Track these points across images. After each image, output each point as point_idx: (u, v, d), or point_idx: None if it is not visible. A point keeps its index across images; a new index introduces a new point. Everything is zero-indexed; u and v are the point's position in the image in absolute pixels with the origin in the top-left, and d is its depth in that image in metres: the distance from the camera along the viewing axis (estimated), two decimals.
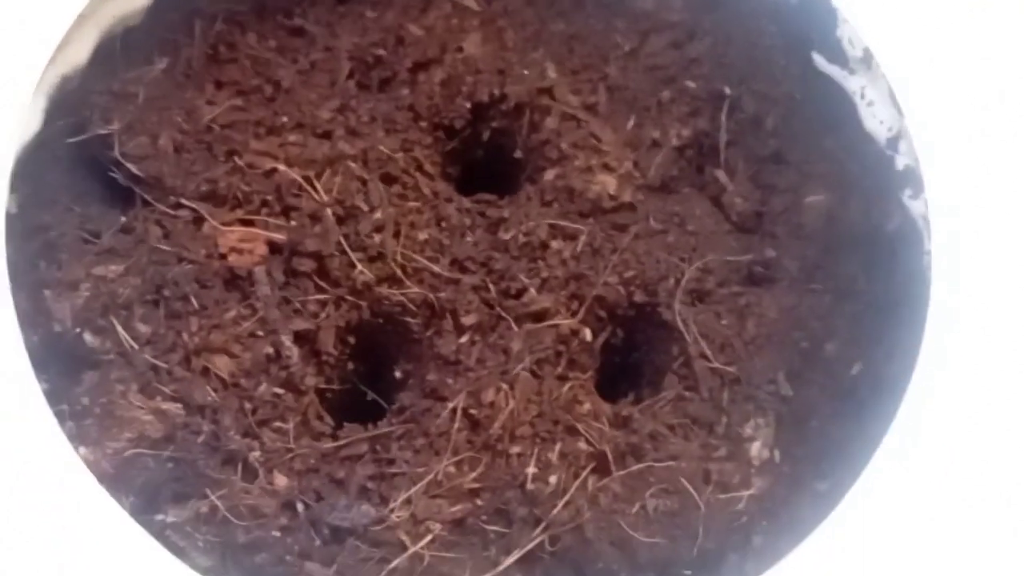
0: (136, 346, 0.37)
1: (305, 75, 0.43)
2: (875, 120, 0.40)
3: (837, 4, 0.40)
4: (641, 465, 0.37)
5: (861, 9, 0.39)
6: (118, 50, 0.41)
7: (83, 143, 0.40)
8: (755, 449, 0.38)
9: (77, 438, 0.35)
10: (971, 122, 0.38)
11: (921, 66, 0.38)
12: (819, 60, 0.41)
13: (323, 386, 0.40)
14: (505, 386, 0.38)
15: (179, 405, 0.37)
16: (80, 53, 0.40)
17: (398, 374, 0.40)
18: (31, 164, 0.38)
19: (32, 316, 0.36)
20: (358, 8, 0.44)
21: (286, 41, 0.43)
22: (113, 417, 0.36)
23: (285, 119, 0.42)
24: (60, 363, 0.37)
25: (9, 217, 0.37)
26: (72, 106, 0.40)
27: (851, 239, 0.41)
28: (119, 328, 0.38)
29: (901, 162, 0.39)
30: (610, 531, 0.36)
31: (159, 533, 0.35)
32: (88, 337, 0.38)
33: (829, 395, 0.39)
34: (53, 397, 0.35)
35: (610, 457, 0.38)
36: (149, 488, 0.36)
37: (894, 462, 0.35)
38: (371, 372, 0.41)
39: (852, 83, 0.41)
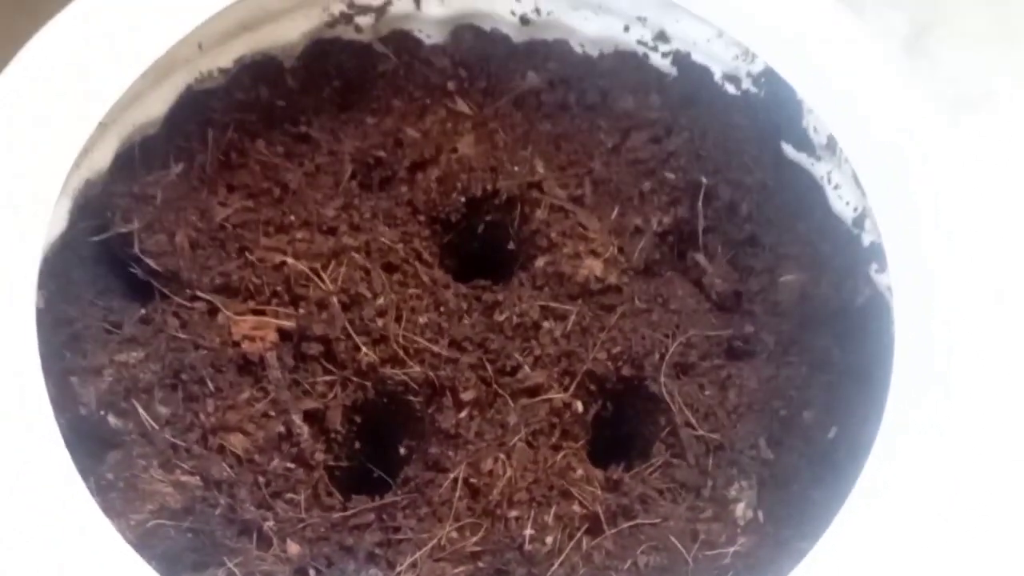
0: (156, 426, 0.40)
1: (311, 177, 0.46)
2: (842, 202, 0.43)
3: (802, 96, 0.43)
4: (632, 524, 0.40)
5: (823, 99, 0.42)
6: (137, 156, 0.44)
7: (105, 242, 0.43)
8: (740, 510, 0.40)
9: (103, 511, 0.37)
10: (928, 197, 0.41)
11: (878, 148, 0.41)
12: (788, 149, 0.44)
13: (331, 463, 0.42)
14: (503, 456, 0.41)
15: (197, 479, 0.39)
16: (102, 159, 0.43)
17: (402, 450, 0.43)
18: (57, 262, 0.41)
19: (60, 401, 0.39)
20: (359, 115, 0.47)
21: (293, 147, 0.46)
22: (136, 490, 0.39)
23: (293, 218, 0.44)
24: (86, 443, 0.39)
25: (38, 312, 0.39)
26: (95, 208, 0.43)
27: (824, 314, 0.43)
28: (140, 410, 0.40)
29: (867, 239, 0.42)
30: None
31: None
32: (112, 419, 0.40)
33: (808, 458, 0.41)
34: (80, 475, 0.37)
35: (602, 518, 0.40)
36: (170, 556, 0.38)
37: (859, 514, 0.37)
38: (376, 449, 0.43)
39: (819, 168, 0.44)
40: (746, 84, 0.45)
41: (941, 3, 0.66)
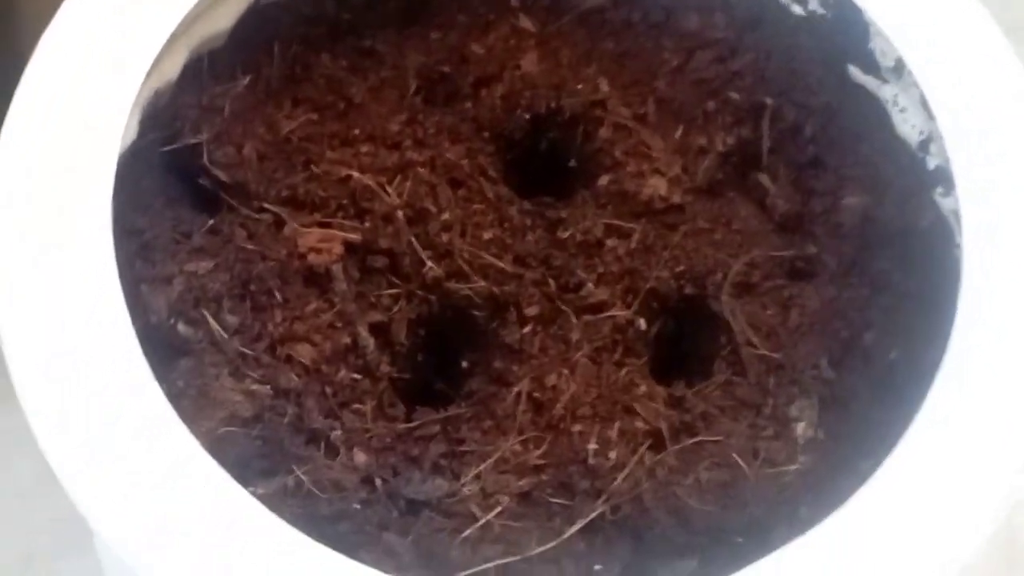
0: (226, 335, 0.40)
1: (375, 91, 0.46)
2: (907, 125, 0.43)
3: (870, 18, 0.43)
4: (694, 440, 0.40)
5: (892, 21, 0.42)
6: (205, 68, 0.44)
7: (174, 152, 0.43)
8: (800, 429, 0.41)
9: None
10: (999, 124, 0.41)
11: (950, 73, 0.41)
12: (854, 71, 0.44)
13: (396, 375, 0.42)
14: (566, 371, 0.41)
15: (267, 387, 0.40)
16: (171, 70, 0.43)
17: (465, 364, 0.43)
18: (127, 172, 0.41)
19: (131, 309, 0.39)
20: (423, 30, 0.47)
21: (357, 61, 0.46)
22: (207, 398, 0.39)
23: (357, 131, 0.45)
24: (157, 351, 0.39)
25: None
26: (164, 118, 0.43)
27: (886, 236, 0.43)
28: (210, 319, 0.41)
29: (932, 163, 0.42)
30: (666, 500, 0.39)
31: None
32: (182, 327, 0.40)
33: (868, 380, 0.42)
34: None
35: (665, 434, 0.40)
36: (240, 463, 0.38)
37: (925, 438, 0.37)
38: (440, 362, 0.44)
39: (885, 92, 0.44)
40: (813, 5, 0.45)
41: None
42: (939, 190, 0.42)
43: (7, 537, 0.52)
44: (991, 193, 0.40)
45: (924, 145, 0.42)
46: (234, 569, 0.34)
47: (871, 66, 0.44)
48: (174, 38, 0.42)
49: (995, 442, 0.37)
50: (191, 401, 0.39)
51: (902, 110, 0.43)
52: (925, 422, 0.37)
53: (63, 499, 0.50)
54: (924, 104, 0.42)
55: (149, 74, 0.41)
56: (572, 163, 0.46)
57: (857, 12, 0.43)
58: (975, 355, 0.38)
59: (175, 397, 0.39)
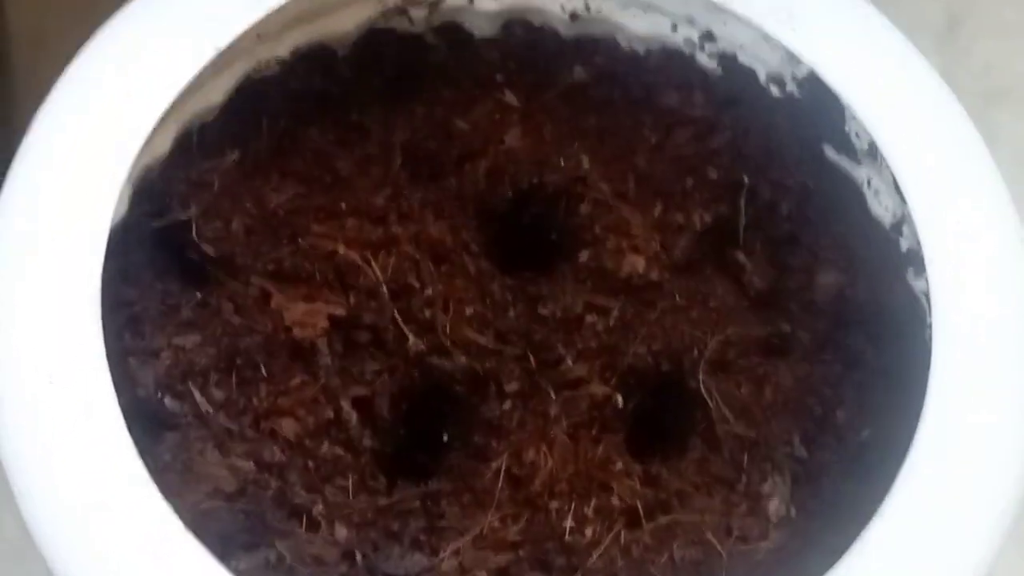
0: (211, 410, 0.41)
1: (361, 165, 0.47)
2: (881, 207, 0.44)
3: (845, 102, 0.44)
4: (669, 518, 0.41)
5: (866, 106, 0.43)
6: (195, 143, 0.45)
7: (164, 227, 0.44)
8: (773, 506, 0.42)
9: (160, 492, 0.39)
10: (967, 210, 0.42)
11: (920, 158, 0.42)
12: (830, 152, 0.45)
13: (378, 448, 0.43)
14: (544, 447, 0.42)
15: (251, 463, 0.41)
16: (162, 145, 0.44)
17: (445, 437, 0.44)
18: (117, 245, 0.42)
19: (118, 382, 0.40)
20: (410, 105, 0.48)
21: (344, 135, 0.47)
22: (192, 472, 0.40)
23: (343, 205, 0.46)
24: (143, 424, 0.40)
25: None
26: (154, 193, 0.44)
27: (860, 315, 0.44)
28: (196, 393, 0.41)
29: (904, 244, 0.43)
30: None
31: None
32: (168, 401, 0.41)
33: (840, 456, 0.42)
34: (138, 455, 0.39)
35: (640, 512, 0.41)
36: (223, 537, 0.39)
37: (897, 516, 0.38)
38: (421, 436, 0.44)
39: (860, 173, 0.45)
40: (790, 87, 0.46)
41: None
42: (911, 271, 0.43)
43: None
44: (960, 276, 0.41)
45: (897, 227, 0.43)
46: None
47: (846, 148, 0.45)
48: (166, 114, 0.43)
49: (967, 517, 0.38)
50: (177, 475, 0.40)
51: (876, 192, 0.44)
52: (898, 499, 0.38)
53: None
54: (896, 187, 0.42)
55: (141, 150, 0.42)
56: (553, 236, 0.47)
57: (832, 96, 0.44)
58: (946, 434, 0.39)
59: (161, 471, 0.40)
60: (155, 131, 0.43)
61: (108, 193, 0.41)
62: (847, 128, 0.44)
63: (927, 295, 0.42)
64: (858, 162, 0.45)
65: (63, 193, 0.41)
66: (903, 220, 0.43)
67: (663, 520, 0.41)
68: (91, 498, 0.37)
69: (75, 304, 0.39)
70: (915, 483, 0.38)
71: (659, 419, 0.45)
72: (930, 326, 0.41)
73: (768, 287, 0.45)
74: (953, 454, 0.39)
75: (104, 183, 0.41)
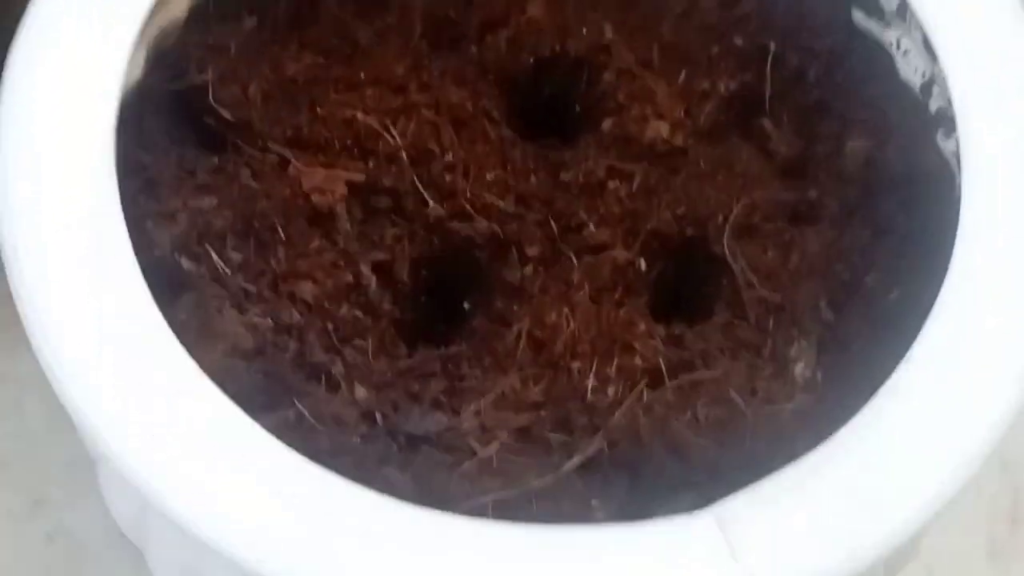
0: (228, 271, 0.41)
1: (381, 36, 0.46)
2: (910, 68, 0.43)
3: None
4: (692, 378, 0.40)
5: None
6: (212, 9, 0.44)
7: (180, 92, 0.43)
8: (799, 369, 0.41)
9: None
10: (999, 65, 0.41)
11: (952, 13, 0.41)
12: (858, 16, 0.45)
13: (398, 315, 0.43)
14: (566, 310, 0.41)
15: (268, 320, 0.40)
16: (178, 10, 0.43)
17: (467, 306, 0.44)
18: (133, 111, 0.42)
19: (135, 244, 0.39)
20: None
21: (363, 5, 0.47)
22: (209, 329, 0.40)
23: (363, 75, 0.45)
24: (160, 286, 0.39)
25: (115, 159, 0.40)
26: (170, 57, 0.43)
27: (889, 180, 0.43)
28: (213, 254, 0.41)
29: (934, 105, 0.42)
30: (664, 436, 0.39)
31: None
32: (185, 262, 0.41)
33: (869, 321, 0.42)
34: None
35: (663, 371, 0.40)
36: (242, 396, 0.39)
37: (918, 371, 0.37)
38: (442, 304, 0.44)
39: (888, 35, 0.44)
40: None
41: None
42: (941, 132, 0.42)
43: (16, 483, 0.53)
44: (990, 135, 0.40)
45: (927, 87, 0.43)
46: (239, 489, 0.35)
47: (875, 9, 0.44)
48: None
49: (987, 373, 0.37)
50: (193, 333, 0.39)
51: (905, 53, 0.43)
52: (918, 356, 0.38)
53: (72, 446, 0.51)
54: (927, 45, 0.42)
55: (155, 12, 0.42)
56: (577, 109, 0.46)
57: None
58: (969, 293, 0.38)
59: (177, 330, 0.39)
60: None
61: (119, 50, 0.40)
62: None
63: (957, 155, 0.41)
64: (887, 24, 0.44)
65: (71, 54, 0.40)
66: (933, 80, 0.42)
67: (686, 379, 0.40)
68: (110, 343, 0.36)
69: (90, 166, 0.38)
70: (940, 334, 0.37)
71: (683, 284, 0.44)
72: (959, 186, 0.40)
73: (795, 154, 0.45)
74: (977, 310, 0.38)
75: (113, 41, 0.40)
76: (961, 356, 0.37)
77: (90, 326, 0.37)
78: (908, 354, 0.37)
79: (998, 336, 0.38)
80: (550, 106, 0.47)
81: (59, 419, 0.53)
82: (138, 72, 0.42)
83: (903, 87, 0.43)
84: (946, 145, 0.42)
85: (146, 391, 0.36)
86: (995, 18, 0.41)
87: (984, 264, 0.39)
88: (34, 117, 0.40)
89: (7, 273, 0.38)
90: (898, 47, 0.43)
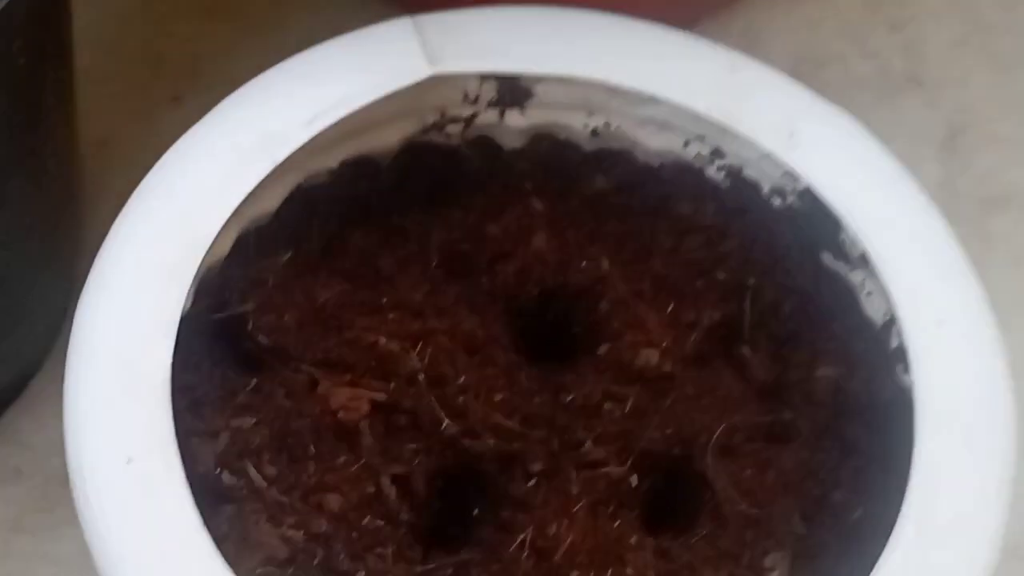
0: (265, 484, 0.46)
1: (402, 264, 0.51)
2: (873, 307, 0.49)
3: (839, 215, 0.48)
4: None
5: (859, 219, 0.48)
6: (252, 244, 0.50)
7: (223, 320, 0.49)
8: None
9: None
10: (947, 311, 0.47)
11: (905, 266, 0.47)
12: (827, 258, 0.50)
13: (414, 521, 0.47)
14: (566, 521, 0.46)
15: (300, 532, 0.45)
16: (222, 247, 0.49)
17: (476, 512, 0.48)
18: (181, 337, 0.47)
19: (182, 459, 0.44)
20: (446, 210, 0.53)
21: (386, 237, 0.52)
22: (247, 542, 0.44)
23: (385, 300, 0.50)
24: (203, 499, 0.44)
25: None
26: (215, 289, 0.48)
27: (855, 405, 0.48)
28: (251, 470, 0.46)
29: (894, 342, 0.48)
30: None
31: None
32: (226, 477, 0.45)
33: (836, 534, 0.46)
34: None
35: None
36: None
37: None
38: (453, 510, 0.48)
39: (854, 277, 0.49)
40: (791, 199, 0.50)
41: (974, 108, 0.71)
42: (900, 367, 0.47)
43: None
44: (941, 373, 0.45)
45: (887, 326, 0.48)
46: None
47: (841, 255, 0.49)
48: (227, 220, 0.48)
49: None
50: (233, 544, 0.44)
51: (868, 294, 0.49)
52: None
53: None
54: (885, 290, 0.47)
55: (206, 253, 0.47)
56: (576, 330, 0.52)
57: (827, 209, 0.48)
58: (926, 515, 0.43)
59: (219, 540, 0.44)
60: (217, 237, 0.48)
61: (178, 292, 0.46)
62: (841, 237, 0.49)
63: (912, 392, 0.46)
64: (853, 267, 0.49)
65: (138, 291, 0.46)
66: (892, 321, 0.48)
67: None
68: (157, 553, 0.41)
69: (148, 392, 0.43)
70: (898, 556, 0.42)
71: (671, 498, 0.48)
72: (914, 420, 0.45)
73: (771, 379, 0.50)
74: (933, 531, 0.43)
75: (174, 284, 0.46)
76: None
77: (140, 534, 0.41)
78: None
79: (952, 557, 0.43)
80: (553, 331, 0.52)
81: None
82: (187, 303, 0.47)
83: (867, 324, 0.49)
84: (905, 378, 0.47)
85: None
86: (947, 276, 0.47)
87: (938, 492, 0.43)
88: (99, 353, 0.45)
89: (72, 486, 0.43)
90: (863, 288, 0.49)
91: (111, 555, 0.42)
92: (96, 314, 0.45)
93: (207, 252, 0.47)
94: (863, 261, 0.48)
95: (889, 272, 0.47)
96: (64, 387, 0.44)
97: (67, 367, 0.44)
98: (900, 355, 0.47)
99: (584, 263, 0.52)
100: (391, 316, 0.50)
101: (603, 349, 0.50)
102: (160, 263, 0.46)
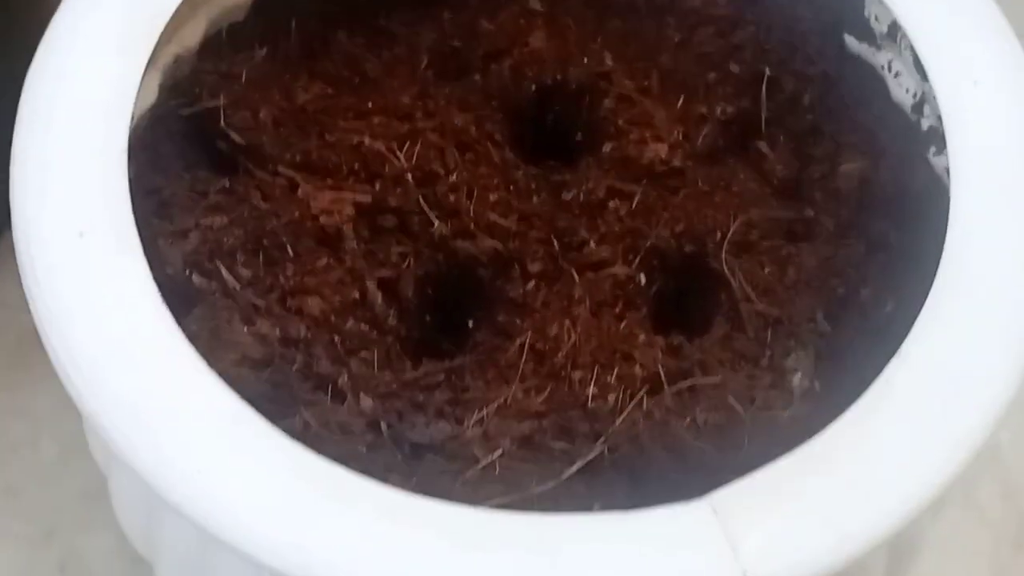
0: (238, 286, 0.42)
1: (389, 67, 0.48)
2: (901, 89, 0.45)
3: None
4: (691, 384, 0.41)
5: None
6: (224, 39, 0.46)
7: (193, 117, 0.45)
8: (796, 379, 0.42)
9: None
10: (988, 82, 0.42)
11: (942, 32, 0.43)
12: (850, 41, 0.46)
13: (403, 332, 0.43)
14: (568, 323, 0.42)
15: (276, 331, 0.41)
16: (191, 39, 0.45)
17: (471, 323, 0.45)
18: (147, 135, 0.43)
19: (149, 262, 0.40)
20: (436, 10, 0.49)
21: (372, 38, 0.48)
22: (219, 340, 0.40)
23: (370, 104, 0.46)
24: (172, 301, 0.40)
25: (129, 182, 0.41)
26: (183, 84, 0.45)
27: (882, 198, 0.44)
28: (223, 270, 0.42)
29: (925, 124, 0.44)
30: (663, 440, 0.40)
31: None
32: (196, 278, 0.42)
33: (864, 332, 0.42)
34: None
35: (663, 379, 0.41)
36: (250, 404, 0.39)
37: (908, 368, 0.38)
38: (446, 322, 0.45)
39: (880, 58, 0.45)
40: None
41: None
42: (932, 149, 0.43)
43: (29, 513, 0.54)
44: (980, 148, 0.41)
45: (918, 107, 0.44)
46: (255, 484, 0.35)
47: (866, 34, 0.45)
48: (194, 6, 0.44)
49: (976, 367, 0.38)
50: (203, 343, 0.40)
51: (896, 74, 0.45)
52: (909, 352, 0.39)
53: (86, 477, 0.51)
54: (917, 65, 0.43)
55: (170, 40, 0.43)
56: (578, 136, 0.48)
57: None
58: (954, 299, 0.39)
59: (189, 339, 0.40)
60: (185, 23, 0.44)
61: (131, 78, 0.42)
62: (867, 12, 0.45)
63: (948, 170, 0.42)
64: (878, 47, 0.45)
65: (85, 79, 0.42)
66: (924, 99, 0.44)
67: (685, 386, 0.41)
68: (125, 350, 0.37)
69: (103, 163, 0.40)
70: (930, 333, 0.38)
71: (682, 299, 0.45)
72: (950, 201, 0.41)
73: (791, 176, 0.46)
74: (960, 320, 0.39)
75: (126, 70, 0.42)
76: (950, 353, 0.38)
77: (107, 336, 0.38)
78: (899, 351, 0.38)
79: (983, 337, 0.39)
80: (552, 131, 0.48)
81: (73, 453, 0.55)
82: (152, 98, 0.43)
83: (894, 108, 0.45)
84: (937, 161, 0.43)
85: (162, 394, 0.37)
86: (984, 36, 0.42)
87: (969, 273, 0.39)
88: (49, 138, 0.41)
89: (26, 293, 0.39)
90: (889, 69, 0.45)
91: (75, 358, 0.38)
92: (45, 80, 0.41)
93: (172, 42, 0.44)
94: (891, 37, 0.44)
95: (922, 41, 0.43)
96: (11, 157, 0.40)
97: (15, 136, 0.40)
98: (932, 136, 0.43)
99: (585, 59, 0.48)
100: (377, 120, 0.46)
101: (607, 147, 0.46)
102: (116, 32, 0.42)
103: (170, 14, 0.42)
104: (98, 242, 0.38)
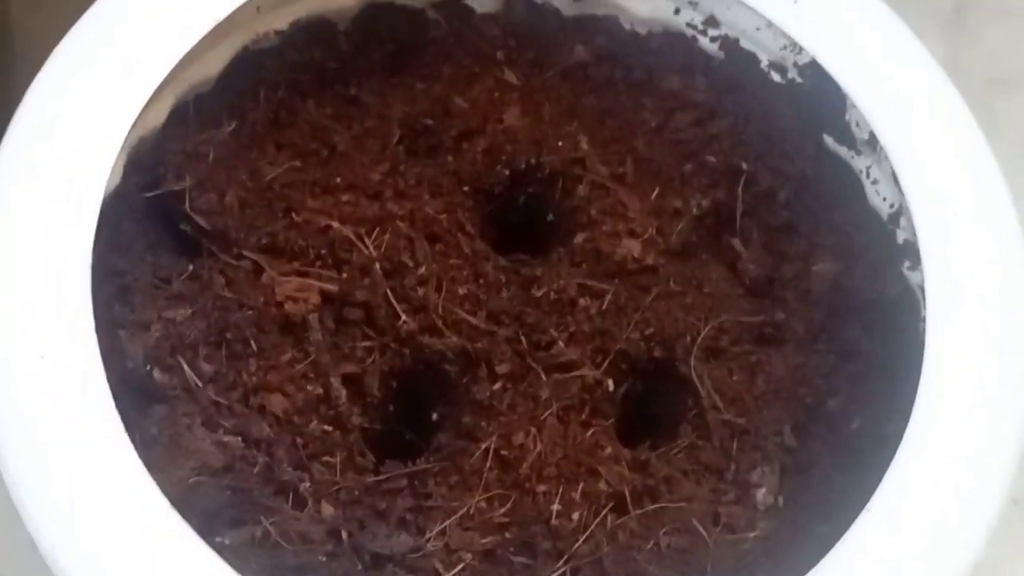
0: (200, 384, 0.41)
1: (358, 140, 0.46)
2: (879, 197, 0.44)
3: (846, 91, 0.43)
4: (656, 506, 0.41)
5: (867, 96, 0.43)
6: (191, 113, 0.45)
7: (157, 197, 0.44)
8: (761, 495, 0.42)
9: (146, 466, 0.39)
10: (965, 204, 0.42)
11: (920, 150, 0.42)
12: (830, 141, 0.45)
13: (367, 426, 0.43)
14: (534, 430, 0.42)
15: (238, 438, 0.40)
16: (157, 116, 0.44)
17: (435, 417, 0.44)
18: (109, 215, 0.42)
19: (107, 354, 0.39)
20: (409, 80, 0.48)
21: (342, 109, 0.47)
22: (179, 447, 0.40)
23: (339, 179, 0.45)
24: (131, 397, 0.40)
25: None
26: (148, 163, 0.44)
27: (855, 304, 0.44)
28: (185, 367, 0.41)
29: (901, 236, 0.43)
30: (626, 565, 0.39)
31: (219, 554, 0.38)
32: (157, 374, 0.41)
33: (831, 447, 0.42)
34: (125, 428, 0.38)
35: (628, 498, 0.41)
36: (209, 512, 0.39)
37: (887, 509, 0.38)
38: (410, 414, 0.44)
39: (859, 163, 0.45)
40: (792, 74, 0.45)
41: None
42: (907, 263, 0.43)
43: None
44: (954, 271, 0.41)
45: (894, 218, 0.43)
46: None
47: (846, 137, 0.44)
48: (162, 85, 0.42)
49: (955, 514, 0.38)
50: (163, 450, 0.40)
51: (874, 182, 0.44)
52: (888, 492, 0.38)
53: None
54: (895, 178, 0.42)
55: (136, 120, 0.42)
56: (550, 218, 0.47)
57: (834, 85, 0.43)
58: (937, 428, 0.39)
59: (148, 445, 0.39)
60: (151, 102, 0.43)
61: (103, 163, 0.41)
62: (847, 117, 0.44)
63: (922, 288, 0.41)
64: (858, 152, 0.44)
65: (57, 161, 0.40)
66: (900, 212, 0.43)
67: (650, 507, 0.41)
68: (78, 477, 0.37)
69: (66, 277, 0.38)
70: (905, 476, 0.38)
71: (650, 404, 0.44)
72: (924, 319, 0.41)
73: (764, 275, 0.45)
74: (943, 449, 0.38)
75: (99, 153, 0.41)
76: (926, 500, 0.38)
77: (52, 442, 0.37)
78: (867, 505, 0.37)
79: (964, 478, 0.38)
80: (524, 218, 0.47)
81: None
82: (117, 178, 0.42)
83: (871, 214, 0.44)
84: (912, 276, 0.42)
85: (111, 522, 0.36)
86: (965, 158, 0.42)
87: (949, 402, 0.39)
88: (15, 219, 0.40)
89: None
90: (868, 175, 0.44)
91: (22, 471, 0.37)
92: (12, 186, 0.40)
93: (139, 121, 0.42)
94: (870, 145, 0.44)
95: (900, 155, 0.42)
96: None
97: None
98: (908, 250, 0.43)
99: (560, 142, 0.47)
100: (345, 198, 0.45)
101: (579, 238, 0.46)
102: (84, 131, 0.41)
103: (144, 102, 0.41)
104: (60, 366, 0.37)
